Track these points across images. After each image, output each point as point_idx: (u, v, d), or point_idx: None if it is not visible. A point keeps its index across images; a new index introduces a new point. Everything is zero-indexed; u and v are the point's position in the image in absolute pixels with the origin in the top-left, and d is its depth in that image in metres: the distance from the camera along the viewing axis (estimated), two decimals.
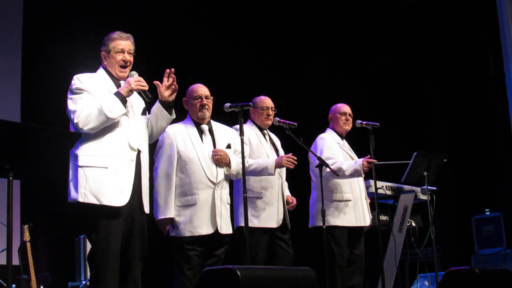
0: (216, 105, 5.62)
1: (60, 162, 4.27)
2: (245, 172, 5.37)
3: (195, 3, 9.65)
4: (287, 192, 6.19)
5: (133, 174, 4.57)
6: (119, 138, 4.57)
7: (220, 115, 5.73)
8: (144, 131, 4.78)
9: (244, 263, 5.35)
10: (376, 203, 6.24)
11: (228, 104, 5.41)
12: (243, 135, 5.28)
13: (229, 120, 5.88)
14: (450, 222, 9.43)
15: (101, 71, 4.80)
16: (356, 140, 6.79)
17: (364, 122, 6.42)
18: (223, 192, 5.48)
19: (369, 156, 6.28)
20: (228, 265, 3.75)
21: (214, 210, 5.36)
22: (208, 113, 5.55)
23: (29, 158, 4.07)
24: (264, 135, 6.15)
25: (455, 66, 9.66)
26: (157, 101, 4.81)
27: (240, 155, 5.42)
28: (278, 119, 6.07)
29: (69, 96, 4.63)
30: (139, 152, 4.65)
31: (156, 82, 4.78)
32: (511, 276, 5.03)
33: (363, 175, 6.34)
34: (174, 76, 4.75)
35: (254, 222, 5.77)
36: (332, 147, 6.43)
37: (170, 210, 5.34)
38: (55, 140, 4.15)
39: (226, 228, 5.42)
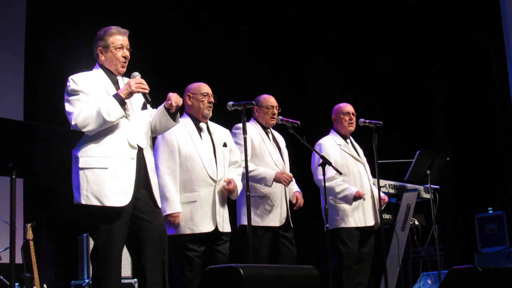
0: (217, 104, 5.61)
1: (63, 161, 4.27)
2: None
3: (197, 4, 9.65)
4: (296, 189, 6.18)
5: (134, 173, 4.52)
6: (117, 137, 4.52)
7: (221, 115, 5.73)
8: (145, 127, 4.72)
9: (247, 262, 5.34)
10: (379, 201, 6.24)
11: (231, 103, 5.40)
12: (246, 134, 5.27)
13: (231, 119, 5.88)
14: (453, 221, 9.43)
15: (96, 69, 4.74)
16: (359, 139, 6.78)
17: (367, 121, 6.40)
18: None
19: (364, 194, 6.27)
20: (231, 263, 3.75)
21: (214, 208, 5.36)
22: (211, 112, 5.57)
23: (32, 156, 4.07)
24: (267, 133, 6.14)
25: (458, 65, 9.65)
26: (162, 105, 4.75)
27: (235, 155, 5.48)
28: (281, 117, 6.06)
29: (66, 97, 4.59)
30: (140, 149, 4.61)
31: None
32: None
33: (351, 204, 6.30)
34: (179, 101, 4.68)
35: (256, 221, 5.76)
36: (330, 154, 6.36)
37: (179, 205, 5.34)
38: (58, 138, 4.15)
39: (226, 226, 5.43)
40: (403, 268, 8.10)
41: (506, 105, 9.07)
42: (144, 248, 4.53)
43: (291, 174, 5.98)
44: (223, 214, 5.42)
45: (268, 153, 6.00)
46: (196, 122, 5.53)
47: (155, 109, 4.88)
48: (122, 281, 6.01)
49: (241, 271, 3.63)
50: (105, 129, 4.49)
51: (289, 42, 10.26)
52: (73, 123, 4.46)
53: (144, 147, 4.64)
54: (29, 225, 6.79)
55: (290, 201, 6.07)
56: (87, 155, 4.50)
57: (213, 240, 5.38)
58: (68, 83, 4.60)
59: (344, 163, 6.38)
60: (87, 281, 7.16)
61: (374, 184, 6.50)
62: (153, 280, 4.51)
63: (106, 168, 4.46)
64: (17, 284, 6.66)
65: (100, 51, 4.72)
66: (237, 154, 5.59)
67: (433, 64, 9.96)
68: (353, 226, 6.32)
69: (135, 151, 4.57)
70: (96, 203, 4.44)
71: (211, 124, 5.67)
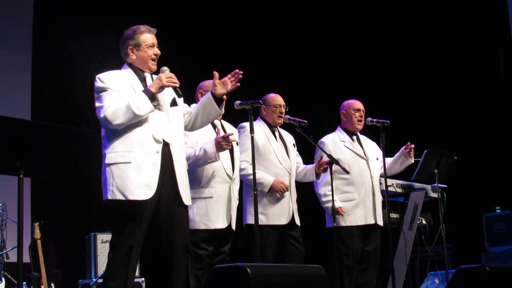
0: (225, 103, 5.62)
1: (70, 160, 4.28)
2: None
3: (205, 2, 9.65)
4: (309, 167, 6.18)
5: (158, 167, 4.52)
6: (142, 132, 4.53)
7: (227, 113, 5.72)
8: (174, 123, 4.70)
9: (254, 261, 5.35)
10: (387, 201, 6.23)
11: (238, 102, 5.40)
12: (253, 133, 5.27)
13: (238, 117, 5.88)
14: (461, 220, 9.41)
15: (125, 68, 4.77)
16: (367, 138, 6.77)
17: (375, 120, 6.39)
18: (236, 188, 5.55)
19: (343, 213, 6.25)
20: (238, 262, 3.74)
21: (229, 204, 5.43)
22: None
23: (39, 156, 4.08)
24: (273, 132, 6.13)
25: (466, 64, 9.63)
26: (209, 92, 4.80)
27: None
28: (288, 116, 6.05)
29: (95, 96, 4.63)
30: (166, 144, 4.59)
31: (214, 73, 4.78)
32: None
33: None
34: (239, 76, 4.75)
35: (262, 220, 5.76)
36: (331, 152, 6.33)
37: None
38: (65, 138, 4.17)
39: (234, 224, 5.49)
40: (411, 268, 8.09)
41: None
42: (166, 245, 4.55)
43: (287, 184, 5.95)
44: (235, 212, 5.50)
45: (273, 152, 5.99)
46: None
47: (186, 105, 4.93)
48: None
49: (248, 270, 3.63)
50: (130, 125, 4.51)
51: (296, 41, 10.25)
52: (101, 115, 4.48)
53: (171, 142, 4.63)
54: (36, 224, 6.81)
55: (297, 199, 6.07)
56: (112, 151, 4.52)
57: (222, 239, 5.42)
58: (95, 82, 4.64)
59: (345, 160, 6.35)
60: (94, 280, 7.17)
61: (381, 183, 6.49)
62: (175, 276, 4.54)
63: (129, 163, 4.48)
64: (24, 283, 6.68)
65: (131, 49, 4.74)
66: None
67: (441, 63, 9.94)
68: (353, 225, 6.30)
69: (160, 145, 4.55)
70: (120, 197, 4.45)
71: (223, 122, 5.71)
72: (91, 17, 8.75)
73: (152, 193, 4.47)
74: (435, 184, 6.87)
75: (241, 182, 5.90)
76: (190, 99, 5.30)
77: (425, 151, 6.78)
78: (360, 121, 6.54)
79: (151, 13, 8.85)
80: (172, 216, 4.58)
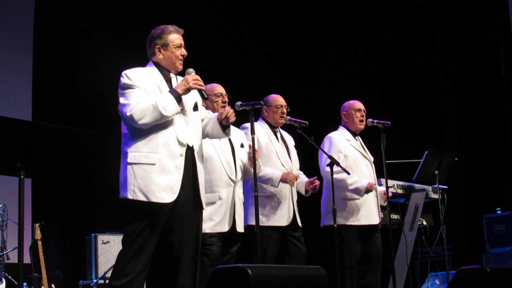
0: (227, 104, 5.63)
1: (71, 161, 4.27)
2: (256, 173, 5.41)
3: (205, 2, 9.66)
4: (306, 179, 6.16)
5: (181, 170, 4.52)
6: (167, 134, 4.53)
7: None
8: (196, 127, 4.72)
9: (255, 262, 5.35)
10: (388, 202, 6.23)
11: (239, 103, 5.40)
12: (254, 134, 5.27)
13: (240, 118, 5.88)
14: (461, 221, 9.40)
15: (150, 66, 4.76)
16: (367, 139, 6.77)
17: (376, 121, 6.39)
18: (240, 191, 5.55)
19: (374, 184, 6.26)
20: (239, 263, 3.74)
21: (233, 208, 5.43)
22: None
23: (40, 156, 4.08)
24: (275, 133, 6.14)
25: (467, 65, 9.63)
26: (216, 116, 4.80)
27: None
28: (289, 117, 6.05)
29: (120, 91, 4.60)
30: (189, 147, 4.59)
31: (226, 108, 4.79)
32: None
33: (362, 196, 6.28)
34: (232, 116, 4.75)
35: (263, 221, 5.76)
36: (340, 147, 6.36)
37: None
38: (66, 138, 4.16)
39: (241, 226, 5.49)
40: (411, 268, 8.10)
41: None
42: (177, 247, 4.54)
43: (297, 174, 5.98)
44: (240, 215, 5.49)
45: (275, 153, 6.00)
46: None
47: (206, 110, 4.96)
48: None
49: (249, 271, 3.63)
50: (155, 126, 4.50)
51: (297, 42, 10.25)
52: (128, 114, 4.46)
53: (195, 146, 4.64)
54: (37, 225, 6.81)
55: (297, 200, 6.06)
56: (136, 151, 4.51)
57: (228, 241, 5.43)
58: (121, 78, 4.61)
59: (353, 159, 6.37)
60: (95, 281, 7.17)
61: (381, 184, 6.49)
62: (183, 278, 4.53)
63: (153, 164, 4.47)
64: (25, 284, 6.68)
65: (158, 49, 4.72)
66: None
67: (442, 63, 9.94)
68: (356, 225, 6.30)
69: (184, 149, 4.56)
70: (142, 198, 4.45)
71: None
72: (92, 18, 8.75)
73: (175, 196, 4.48)
74: (436, 185, 6.87)
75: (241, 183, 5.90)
76: None
77: (426, 152, 6.77)
78: (361, 121, 6.53)
79: (151, 14, 8.87)
80: (187, 219, 4.57)
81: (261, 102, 5.52)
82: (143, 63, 4.82)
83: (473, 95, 9.57)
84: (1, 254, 6.84)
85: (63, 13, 8.64)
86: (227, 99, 5.61)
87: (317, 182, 6.02)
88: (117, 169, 4.63)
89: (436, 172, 6.82)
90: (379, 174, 6.50)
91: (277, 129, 6.18)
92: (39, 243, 6.74)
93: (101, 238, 7.43)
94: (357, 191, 6.24)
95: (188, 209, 4.58)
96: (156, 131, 4.52)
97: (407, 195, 7.14)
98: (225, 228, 5.37)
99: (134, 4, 9.02)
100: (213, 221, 5.33)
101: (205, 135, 4.87)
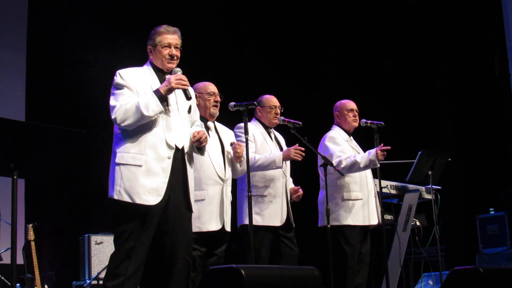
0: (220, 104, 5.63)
1: (64, 161, 4.27)
2: (251, 168, 5.41)
3: (199, 3, 9.65)
4: (291, 185, 6.15)
5: (168, 173, 4.52)
6: (156, 136, 4.54)
7: (222, 115, 5.73)
8: (187, 128, 4.72)
9: (248, 262, 5.35)
10: (381, 202, 6.23)
11: (233, 103, 5.41)
12: (247, 134, 5.28)
13: (233, 119, 5.88)
14: (455, 222, 9.41)
15: (147, 65, 4.78)
16: (361, 140, 6.78)
17: (369, 122, 6.40)
18: (228, 190, 5.52)
19: (382, 144, 6.23)
20: (232, 264, 3.74)
21: (222, 206, 5.40)
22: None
23: (34, 157, 4.08)
24: (269, 133, 6.14)
25: (463, 65, 9.64)
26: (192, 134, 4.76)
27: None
28: (283, 118, 6.05)
29: (112, 91, 4.62)
30: (178, 149, 4.59)
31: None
32: None
33: (379, 165, 6.24)
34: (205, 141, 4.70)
35: (257, 220, 5.75)
36: (342, 144, 6.37)
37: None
38: (59, 139, 4.16)
39: (229, 225, 5.47)
40: (405, 269, 8.10)
41: (509, 106, 9.06)
42: (169, 250, 4.54)
43: (301, 147, 5.86)
44: (228, 213, 5.47)
45: (270, 152, 5.99)
46: (204, 121, 5.54)
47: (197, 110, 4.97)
48: None
49: (243, 272, 3.63)
50: (144, 127, 4.52)
51: (291, 42, 10.25)
52: (113, 116, 4.50)
53: (185, 148, 4.64)
54: (30, 225, 6.79)
55: (291, 200, 6.06)
56: (124, 151, 4.53)
57: (216, 241, 5.40)
58: (115, 77, 4.63)
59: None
60: (88, 281, 7.16)
61: (375, 185, 6.50)
62: (177, 281, 4.53)
63: (140, 166, 4.49)
64: (18, 284, 6.66)
65: (150, 49, 4.77)
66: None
67: (439, 63, 9.95)
68: (359, 224, 6.30)
69: (172, 151, 4.56)
70: (127, 199, 4.46)
71: (217, 124, 5.71)
72: (86, 18, 8.74)
73: (160, 198, 4.48)
74: (429, 186, 6.88)
75: (235, 182, 5.90)
76: None
77: (419, 152, 6.78)
78: (355, 120, 6.54)
79: (146, 14, 8.86)
80: (179, 222, 4.58)
81: (255, 102, 5.53)
82: (138, 63, 4.83)
83: (468, 96, 9.58)
84: None
85: (57, 13, 8.63)
86: (219, 99, 5.59)
87: (301, 192, 6.02)
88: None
89: (430, 172, 6.82)
90: (373, 174, 6.50)
91: (271, 129, 6.18)
92: (32, 243, 6.71)
93: (95, 238, 7.42)
94: (373, 163, 6.19)
95: (179, 212, 4.58)
96: (145, 132, 4.53)
97: (400, 196, 7.15)
98: (213, 227, 5.34)
99: (128, 4, 9.01)
100: (201, 219, 5.30)
101: None
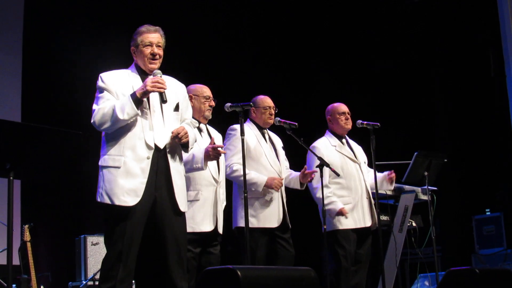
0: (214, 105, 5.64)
1: (60, 162, 4.27)
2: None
3: (195, 4, 9.65)
4: (296, 174, 6.15)
5: (147, 173, 4.50)
6: (134, 137, 4.52)
7: (217, 116, 5.73)
8: (171, 128, 4.64)
9: (244, 263, 5.34)
10: (377, 203, 6.23)
11: (228, 104, 5.40)
12: (243, 135, 5.27)
13: (228, 119, 5.89)
14: (451, 222, 9.43)
15: (131, 67, 4.77)
16: (357, 141, 6.78)
17: (365, 122, 6.39)
18: (222, 191, 5.52)
19: (347, 212, 6.24)
20: (228, 265, 3.74)
21: (215, 208, 5.40)
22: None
23: (30, 158, 4.07)
24: (263, 134, 6.13)
25: (458, 66, 9.65)
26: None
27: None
28: (278, 119, 6.05)
29: (95, 95, 4.63)
30: (160, 149, 4.56)
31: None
32: (511, 276, 5.02)
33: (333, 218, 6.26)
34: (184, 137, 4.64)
35: (253, 222, 5.73)
36: (324, 156, 6.28)
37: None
38: (56, 140, 4.16)
39: (221, 227, 5.46)
40: (401, 270, 8.10)
41: (504, 106, 9.07)
42: (161, 251, 4.54)
43: (282, 179, 5.95)
44: (221, 215, 5.46)
45: (264, 155, 5.99)
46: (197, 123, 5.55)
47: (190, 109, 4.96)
48: None
49: (239, 273, 3.63)
50: (124, 129, 4.51)
51: (286, 43, 10.26)
52: (92, 120, 4.52)
53: (167, 147, 4.60)
54: (26, 226, 6.79)
55: (291, 202, 6.07)
56: (106, 154, 4.54)
57: (209, 241, 5.40)
58: (97, 80, 4.64)
59: (340, 164, 6.36)
60: (84, 282, 7.16)
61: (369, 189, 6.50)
62: (171, 280, 4.52)
63: (119, 167, 4.49)
64: (14, 285, 6.66)
65: (133, 51, 4.76)
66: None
67: (434, 64, 9.96)
68: (350, 228, 6.30)
69: (151, 151, 4.54)
70: (108, 201, 4.47)
71: (209, 127, 5.71)
72: (81, 19, 8.73)
73: (138, 199, 4.46)
74: (425, 187, 6.88)
75: (230, 184, 5.90)
76: None
77: (415, 153, 6.78)
78: (347, 123, 6.53)
79: (141, 15, 8.85)
80: (167, 221, 4.55)
81: (251, 103, 5.52)
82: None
83: (463, 97, 9.59)
84: None
85: (52, 14, 8.62)
86: (213, 103, 5.60)
87: (309, 172, 6.03)
88: None
89: (426, 173, 6.83)
90: (368, 176, 6.50)
91: (265, 130, 6.17)
92: (28, 244, 6.72)
93: (91, 239, 7.42)
94: (329, 212, 6.22)
95: (166, 214, 4.56)
96: (125, 134, 4.52)
97: (396, 197, 7.15)
98: (207, 228, 5.34)
99: (126, 6, 9.00)
100: (195, 220, 5.29)
101: None
